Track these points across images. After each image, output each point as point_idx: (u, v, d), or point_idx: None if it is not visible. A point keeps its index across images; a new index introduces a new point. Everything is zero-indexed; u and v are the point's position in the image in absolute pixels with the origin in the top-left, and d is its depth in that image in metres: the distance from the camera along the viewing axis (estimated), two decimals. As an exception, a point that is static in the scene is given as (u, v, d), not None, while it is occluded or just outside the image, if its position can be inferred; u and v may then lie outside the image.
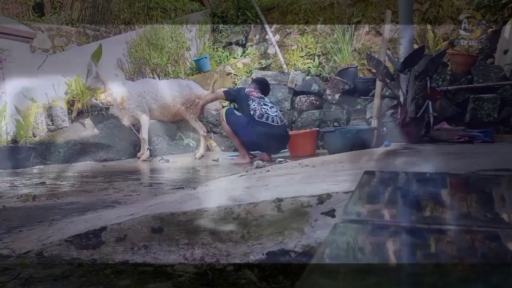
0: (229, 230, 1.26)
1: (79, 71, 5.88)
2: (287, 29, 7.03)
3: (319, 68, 6.22)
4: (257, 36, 7.33)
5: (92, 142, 5.43)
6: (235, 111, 4.51)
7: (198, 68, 6.99)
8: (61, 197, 2.59)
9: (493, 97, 4.47)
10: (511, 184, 1.36)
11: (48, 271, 1.25)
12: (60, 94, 5.76)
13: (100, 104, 5.77)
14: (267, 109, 4.40)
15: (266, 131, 4.29)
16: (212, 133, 6.12)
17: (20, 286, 1.16)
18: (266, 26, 7.06)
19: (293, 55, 6.57)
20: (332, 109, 5.54)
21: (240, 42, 7.48)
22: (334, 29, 6.21)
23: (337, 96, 5.50)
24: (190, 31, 7.32)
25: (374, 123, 4.77)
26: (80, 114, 5.74)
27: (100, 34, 7.86)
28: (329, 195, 1.25)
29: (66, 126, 5.56)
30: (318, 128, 5.19)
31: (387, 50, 5.12)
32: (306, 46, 6.52)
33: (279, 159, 4.25)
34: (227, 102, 5.03)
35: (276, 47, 6.76)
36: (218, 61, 7.16)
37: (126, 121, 5.19)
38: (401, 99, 4.19)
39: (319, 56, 6.42)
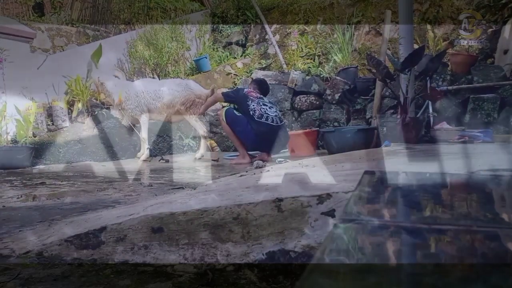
0: (229, 230, 1.26)
1: (79, 71, 5.89)
2: (287, 29, 7.03)
3: (319, 68, 6.23)
4: (257, 36, 7.33)
5: (92, 142, 5.43)
6: (234, 111, 4.51)
7: (198, 68, 6.99)
8: (61, 197, 2.59)
9: (493, 97, 4.47)
10: (511, 184, 1.36)
11: (48, 271, 1.25)
12: (60, 94, 5.77)
13: (100, 104, 5.77)
14: (266, 109, 4.41)
15: (265, 131, 4.30)
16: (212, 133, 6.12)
17: (20, 286, 1.16)
18: (266, 26, 7.06)
19: (293, 55, 6.57)
20: (332, 109, 5.54)
21: (240, 42, 7.48)
22: (334, 29, 6.21)
23: (337, 96, 5.50)
24: (190, 31, 7.32)
25: (374, 123, 4.77)
26: (80, 114, 5.75)
27: (100, 34, 7.86)
28: (329, 195, 1.25)
29: (66, 126, 5.56)
30: (318, 128, 5.19)
31: (387, 50, 5.12)
32: (306, 46, 6.53)
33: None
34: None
35: (276, 47, 6.76)
36: (218, 61, 7.16)
37: (125, 122, 5.20)
38: (401, 99, 4.19)
39: (319, 56, 6.42)
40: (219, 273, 1.19)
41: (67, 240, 1.37)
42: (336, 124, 5.43)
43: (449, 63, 5.17)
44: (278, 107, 5.83)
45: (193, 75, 6.89)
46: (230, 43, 7.53)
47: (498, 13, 4.75)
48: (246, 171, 2.98)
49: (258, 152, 4.70)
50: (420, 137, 4.22)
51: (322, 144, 5.07)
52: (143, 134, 5.17)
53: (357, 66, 5.88)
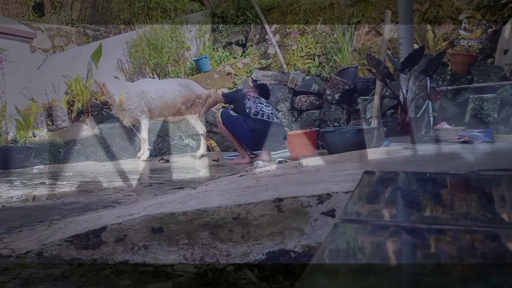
0: (229, 230, 1.26)
1: (79, 71, 5.89)
2: (287, 29, 7.03)
3: (319, 68, 6.23)
4: (257, 36, 7.33)
5: (92, 142, 5.43)
6: (230, 112, 4.56)
7: (198, 68, 6.99)
8: (61, 197, 2.59)
9: (493, 97, 4.46)
10: (511, 184, 1.36)
11: (48, 271, 1.25)
12: (60, 94, 5.77)
13: (100, 104, 5.78)
14: (262, 107, 4.45)
15: (261, 127, 4.33)
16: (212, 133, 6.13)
17: (20, 286, 1.16)
18: (266, 26, 7.06)
19: (293, 55, 6.57)
20: (332, 109, 5.53)
21: (240, 42, 7.48)
22: (334, 29, 6.21)
23: (337, 96, 5.50)
24: (190, 31, 7.32)
25: (374, 123, 4.77)
26: (80, 114, 5.75)
27: (100, 34, 7.86)
28: (329, 195, 1.25)
29: (66, 126, 5.56)
30: (318, 128, 5.19)
31: (387, 50, 5.12)
32: (306, 46, 6.52)
33: (279, 159, 4.25)
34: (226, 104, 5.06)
35: (276, 47, 6.76)
36: (218, 61, 7.16)
37: (126, 122, 5.20)
38: (401, 99, 4.19)
39: (319, 56, 6.42)
40: (219, 273, 1.19)
41: (67, 240, 1.37)
42: (336, 124, 5.43)
43: (449, 63, 5.17)
44: (278, 107, 5.83)
45: (193, 75, 6.89)
46: (230, 43, 7.53)
47: (498, 13, 4.74)
48: (246, 171, 2.98)
49: (258, 152, 4.71)
50: (420, 137, 4.22)
51: (322, 144, 5.06)
52: (143, 134, 5.17)
53: (357, 66, 5.88)
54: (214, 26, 7.72)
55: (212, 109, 5.94)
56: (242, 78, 6.63)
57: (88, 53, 6.20)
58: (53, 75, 5.79)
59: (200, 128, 5.24)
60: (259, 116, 4.36)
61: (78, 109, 5.72)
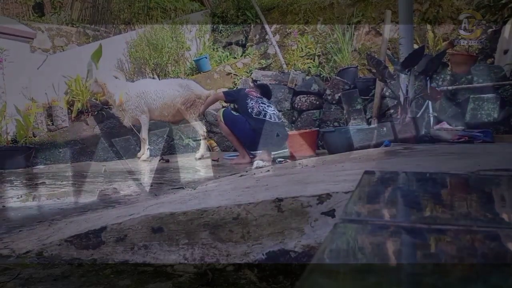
0: (229, 230, 1.26)
1: (79, 71, 5.89)
2: (287, 29, 7.03)
3: (319, 68, 6.23)
4: (257, 36, 7.33)
5: (92, 142, 5.43)
6: (232, 111, 4.54)
7: (198, 68, 6.99)
8: (61, 197, 2.59)
9: (493, 97, 4.46)
10: (511, 184, 1.36)
11: (48, 271, 1.25)
12: (60, 94, 5.77)
13: (100, 104, 5.78)
14: (265, 107, 4.43)
15: (263, 127, 4.32)
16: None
17: (20, 286, 1.16)
18: (266, 26, 7.06)
19: (293, 55, 6.57)
20: (332, 109, 5.54)
21: (240, 42, 7.48)
22: (334, 29, 6.21)
23: (337, 96, 5.50)
24: (190, 31, 7.32)
25: (374, 123, 4.77)
26: (80, 114, 5.76)
27: (100, 34, 7.86)
28: (329, 195, 1.25)
29: (66, 126, 5.57)
30: (318, 128, 5.19)
31: (387, 50, 5.12)
32: (306, 46, 6.53)
33: (279, 159, 4.25)
34: (227, 103, 5.05)
35: (276, 47, 6.76)
36: (218, 61, 7.16)
37: (126, 122, 5.20)
38: (401, 99, 4.19)
39: (319, 56, 6.42)
40: (219, 273, 1.19)
41: (67, 240, 1.37)
42: (336, 124, 5.43)
43: (449, 63, 5.17)
44: (277, 107, 5.83)
45: (193, 75, 6.89)
46: (230, 43, 7.53)
47: (498, 13, 4.74)
48: (246, 171, 2.99)
49: (258, 151, 4.71)
50: (420, 137, 4.22)
51: (322, 144, 5.07)
52: (143, 134, 5.17)
53: (357, 66, 5.88)
54: (214, 26, 7.72)
55: (213, 109, 5.95)
56: (242, 78, 6.63)
57: (88, 53, 6.21)
58: (53, 75, 5.79)
59: (200, 128, 5.24)
60: (261, 116, 4.35)
61: (78, 109, 5.73)
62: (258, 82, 5.96)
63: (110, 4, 8.39)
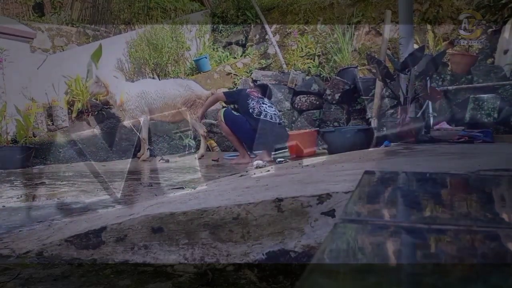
0: (229, 230, 1.26)
1: (79, 71, 5.89)
2: (287, 29, 7.03)
3: (319, 68, 6.22)
4: (257, 36, 7.33)
5: (92, 142, 5.43)
6: (233, 111, 4.54)
7: (198, 68, 6.99)
8: (61, 197, 2.59)
9: (493, 97, 4.46)
10: (511, 184, 1.36)
11: (48, 271, 1.25)
12: (60, 94, 5.77)
13: (100, 104, 5.78)
14: (266, 107, 4.44)
15: (264, 128, 4.32)
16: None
17: (20, 286, 1.16)
18: (266, 26, 7.06)
19: (293, 55, 6.57)
20: (332, 109, 5.53)
21: (240, 42, 7.48)
22: (334, 29, 6.21)
23: (337, 96, 5.50)
24: (190, 31, 7.32)
25: (374, 123, 4.77)
26: (80, 114, 5.76)
27: (100, 34, 7.86)
28: (329, 195, 1.25)
29: (66, 126, 5.56)
30: (318, 128, 5.18)
31: (387, 50, 5.12)
32: (306, 46, 6.52)
33: (279, 159, 4.25)
34: (227, 104, 5.05)
35: (276, 47, 6.76)
36: (218, 61, 7.16)
37: (127, 122, 5.20)
38: (401, 99, 4.19)
39: (319, 56, 6.42)
40: (219, 273, 1.19)
41: (67, 240, 1.37)
42: (336, 124, 5.42)
43: (449, 63, 5.17)
44: (278, 107, 5.83)
45: (193, 75, 6.89)
46: (230, 43, 7.53)
47: (498, 13, 4.74)
48: (246, 171, 2.99)
49: (259, 151, 4.71)
50: (420, 137, 4.22)
51: (322, 144, 5.06)
52: (143, 134, 5.17)
53: (357, 66, 5.88)
54: (214, 26, 7.72)
55: (216, 107, 5.94)
56: (242, 78, 6.63)
57: (88, 53, 6.21)
58: (53, 75, 5.79)
59: (200, 128, 5.24)
60: (262, 117, 4.35)
61: (78, 109, 5.73)
62: (258, 82, 5.96)
63: (110, 4, 8.39)
